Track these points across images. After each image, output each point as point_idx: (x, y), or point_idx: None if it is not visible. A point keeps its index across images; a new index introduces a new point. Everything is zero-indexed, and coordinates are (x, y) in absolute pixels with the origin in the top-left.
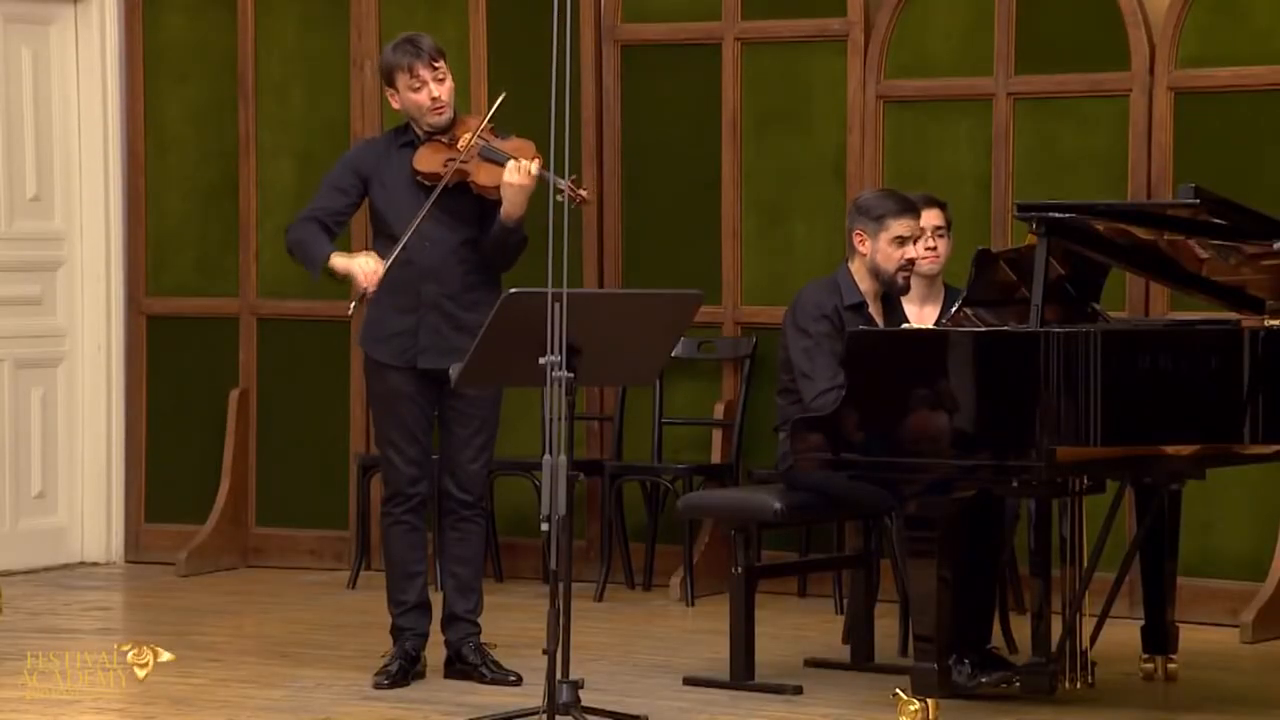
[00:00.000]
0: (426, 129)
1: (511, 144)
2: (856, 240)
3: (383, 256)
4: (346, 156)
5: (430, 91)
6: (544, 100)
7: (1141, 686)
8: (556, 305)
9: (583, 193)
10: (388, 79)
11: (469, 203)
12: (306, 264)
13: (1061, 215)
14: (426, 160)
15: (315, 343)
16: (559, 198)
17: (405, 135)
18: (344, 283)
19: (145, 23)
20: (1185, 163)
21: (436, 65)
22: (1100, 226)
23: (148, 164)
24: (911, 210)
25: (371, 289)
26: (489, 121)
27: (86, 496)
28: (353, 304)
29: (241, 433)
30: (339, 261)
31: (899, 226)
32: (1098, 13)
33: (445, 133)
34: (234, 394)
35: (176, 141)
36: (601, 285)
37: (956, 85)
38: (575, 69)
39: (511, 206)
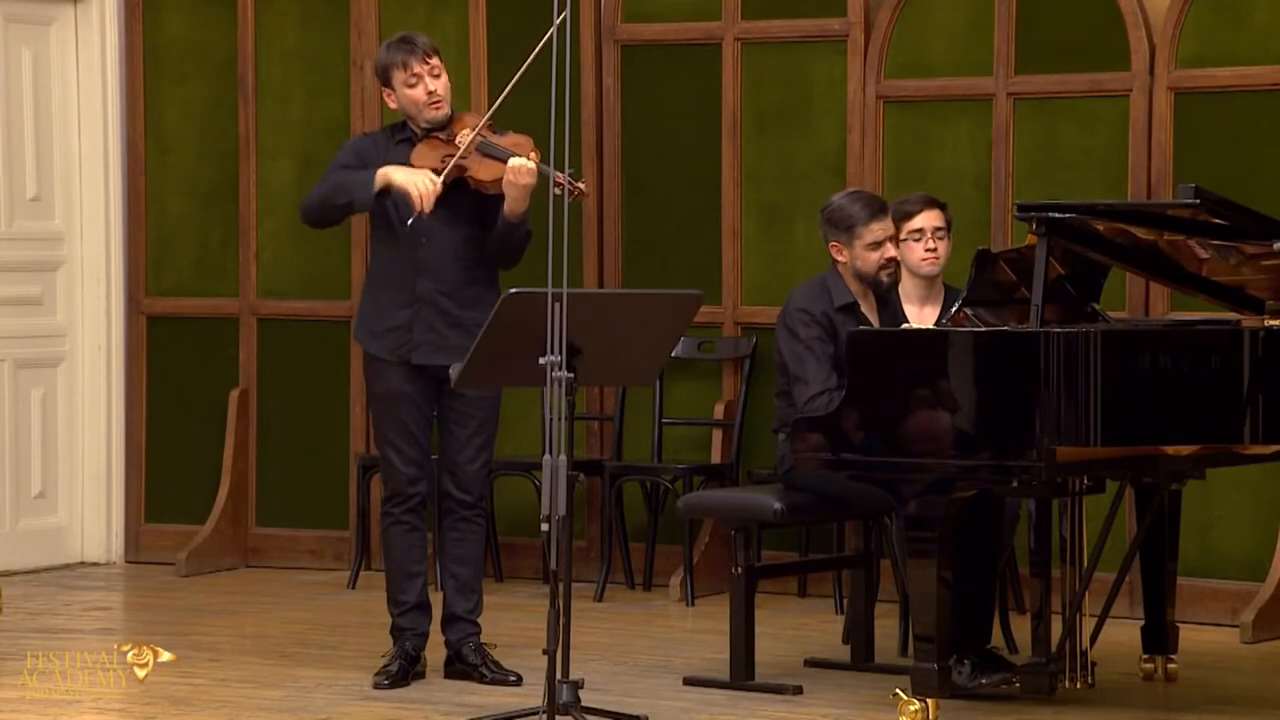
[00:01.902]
0: (424, 125)
1: (510, 139)
2: (833, 250)
3: (379, 250)
4: (347, 145)
5: (426, 86)
6: (544, 100)
7: (1141, 686)
8: (556, 305)
9: (581, 185)
10: (383, 78)
11: (468, 200)
12: (349, 201)
13: (1061, 215)
14: (424, 157)
15: (315, 343)
16: (557, 191)
17: (403, 132)
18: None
19: (145, 23)
20: (1185, 163)
21: (431, 61)
22: (1100, 226)
23: (148, 164)
24: (880, 212)
25: (428, 209)
26: (488, 118)
27: (86, 496)
28: (410, 221)
29: (241, 433)
30: (397, 175)
31: (870, 233)
32: (1098, 13)
33: (443, 129)
34: (234, 394)
35: (176, 141)
36: (601, 285)
37: (956, 85)
38: (575, 69)
39: (514, 203)
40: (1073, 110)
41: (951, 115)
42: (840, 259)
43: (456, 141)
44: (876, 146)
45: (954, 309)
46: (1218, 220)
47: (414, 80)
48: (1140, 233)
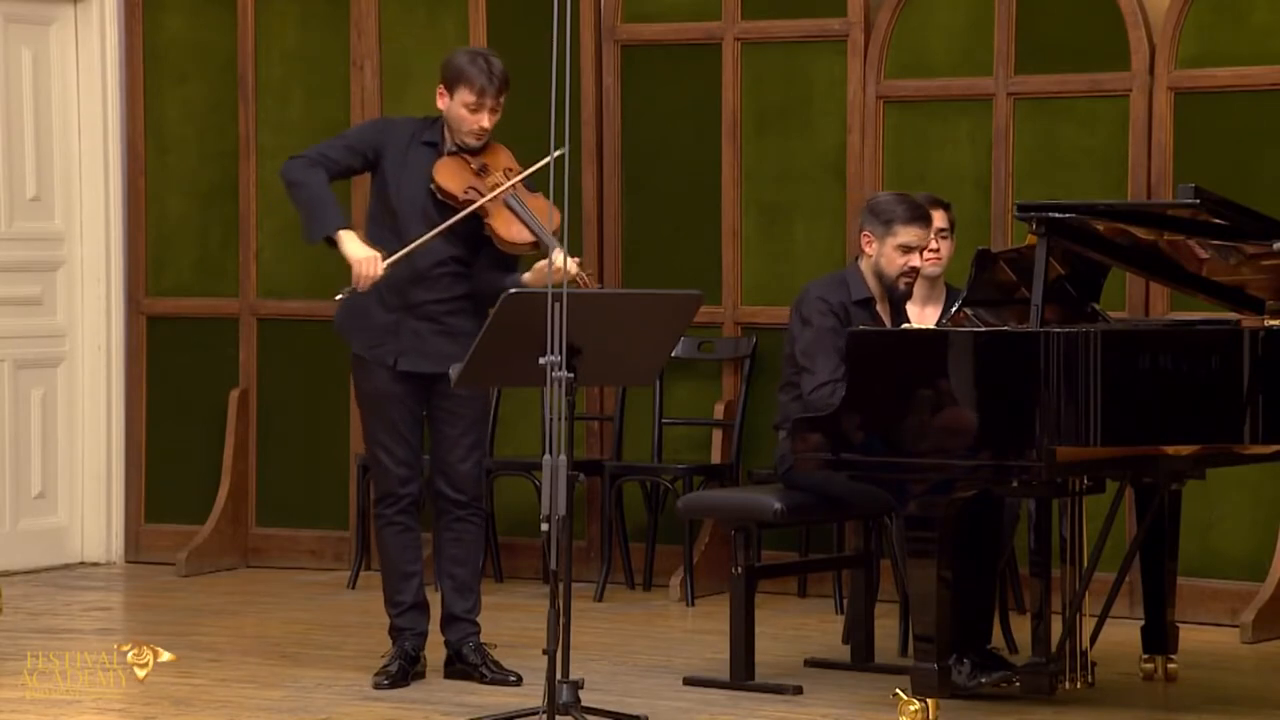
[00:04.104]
0: (457, 144)
1: (536, 202)
2: (864, 240)
3: (377, 242)
4: (373, 126)
5: (483, 121)
6: (544, 100)
7: (1141, 686)
8: (556, 305)
9: (590, 282)
10: (449, 82)
11: (473, 229)
12: (307, 217)
13: (1061, 215)
14: (447, 176)
15: (315, 343)
16: (573, 287)
17: (431, 133)
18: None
19: (145, 23)
20: (1185, 163)
21: (500, 98)
22: (1100, 226)
23: (148, 164)
24: (921, 219)
25: (361, 289)
26: (525, 177)
27: (86, 496)
28: (340, 295)
29: (241, 433)
30: (348, 247)
31: (905, 234)
32: (1098, 13)
33: (473, 154)
34: (234, 394)
35: (176, 141)
36: (601, 285)
37: (956, 85)
38: (575, 69)
39: (534, 280)
40: (1073, 110)
41: (951, 115)
42: (868, 250)
43: (486, 180)
44: (876, 146)
45: (954, 309)
46: (1218, 220)
47: (476, 107)
48: (1140, 233)
